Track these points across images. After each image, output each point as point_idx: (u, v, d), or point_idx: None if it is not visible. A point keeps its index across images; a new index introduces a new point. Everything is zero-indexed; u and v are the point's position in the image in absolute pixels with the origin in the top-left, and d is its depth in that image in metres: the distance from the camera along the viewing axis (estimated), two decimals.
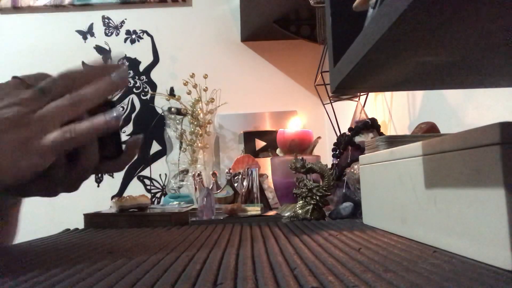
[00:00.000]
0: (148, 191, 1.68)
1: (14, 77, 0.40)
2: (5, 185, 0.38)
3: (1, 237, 0.55)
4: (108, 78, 0.41)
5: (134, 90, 1.72)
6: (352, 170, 0.70)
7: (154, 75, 1.73)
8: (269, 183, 1.12)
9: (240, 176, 0.96)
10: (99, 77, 0.41)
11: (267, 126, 1.63)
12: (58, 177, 0.42)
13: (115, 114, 0.40)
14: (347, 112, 1.22)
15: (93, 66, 0.43)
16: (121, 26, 1.74)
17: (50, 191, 0.44)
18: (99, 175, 1.66)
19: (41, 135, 0.37)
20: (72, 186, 0.44)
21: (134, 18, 1.75)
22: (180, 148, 1.52)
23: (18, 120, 0.37)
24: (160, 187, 1.68)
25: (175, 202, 1.19)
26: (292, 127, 1.04)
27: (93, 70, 0.42)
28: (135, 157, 0.44)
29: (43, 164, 0.38)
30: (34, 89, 0.39)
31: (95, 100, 0.40)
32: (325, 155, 1.29)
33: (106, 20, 1.74)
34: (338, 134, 1.02)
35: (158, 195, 1.68)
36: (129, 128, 1.70)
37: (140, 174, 1.68)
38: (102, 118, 0.40)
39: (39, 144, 0.37)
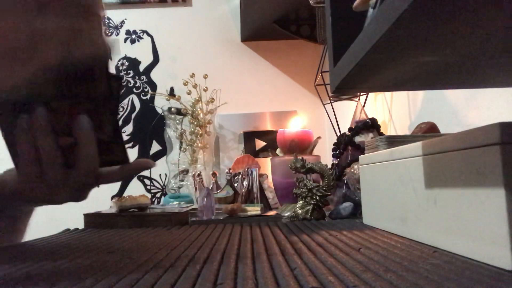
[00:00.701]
0: (148, 191, 1.68)
1: None
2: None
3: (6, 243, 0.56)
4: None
5: (134, 90, 1.72)
6: (352, 170, 0.70)
7: (154, 75, 1.73)
8: (269, 183, 1.12)
9: (240, 176, 0.96)
10: None
11: (267, 126, 1.63)
12: (58, 180, 0.42)
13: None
14: (347, 112, 1.22)
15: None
16: (121, 26, 1.74)
17: (52, 198, 0.44)
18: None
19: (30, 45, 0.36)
20: (77, 193, 0.44)
21: (134, 18, 1.75)
22: (180, 148, 1.52)
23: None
24: (160, 187, 1.68)
25: (175, 202, 1.19)
26: (293, 127, 1.04)
27: None
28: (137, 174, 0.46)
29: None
30: None
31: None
32: (325, 155, 1.29)
33: (106, 20, 1.74)
34: (338, 134, 1.02)
35: (158, 195, 1.68)
36: (129, 128, 1.70)
37: (140, 174, 1.68)
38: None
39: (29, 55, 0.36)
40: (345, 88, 0.44)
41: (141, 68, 1.73)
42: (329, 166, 0.80)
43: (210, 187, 0.93)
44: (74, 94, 0.41)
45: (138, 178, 1.68)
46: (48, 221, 1.53)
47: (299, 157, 0.75)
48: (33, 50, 0.36)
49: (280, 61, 1.74)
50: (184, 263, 0.35)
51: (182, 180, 1.46)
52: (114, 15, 1.74)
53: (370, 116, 0.90)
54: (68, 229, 0.69)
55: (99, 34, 0.39)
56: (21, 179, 0.42)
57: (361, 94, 1.07)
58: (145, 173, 1.68)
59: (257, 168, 0.93)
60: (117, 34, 1.74)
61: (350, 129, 0.86)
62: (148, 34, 1.74)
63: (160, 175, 1.68)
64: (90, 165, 0.42)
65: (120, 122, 1.65)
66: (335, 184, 0.79)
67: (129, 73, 1.72)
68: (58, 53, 0.37)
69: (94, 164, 0.42)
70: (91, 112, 0.42)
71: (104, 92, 0.41)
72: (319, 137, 1.05)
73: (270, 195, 1.07)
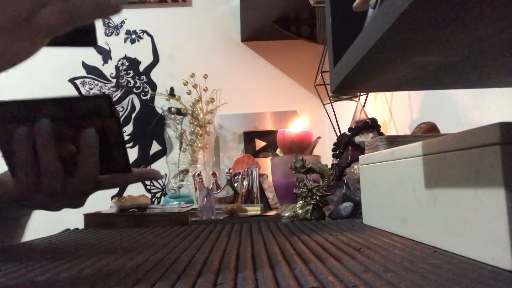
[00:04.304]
0: (148, 191, 1.68)
1: None
2: None
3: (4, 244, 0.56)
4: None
5: (134, 90, 1.72)
6: (352, 170, 0.70)
7: (154, 75, 1.73)
8: (269, 183, 1.12)
9: (240, 176, 0.96)
10: None
11: (267, 126, 1.63)
12: (56, 189, 0.41)
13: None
14: (347, 112, 1.22)
15: None
16: (121, 26, 1.74)
17: (50, 204, 0.43)
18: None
19: (32, 14, 0.33)
20: (75, 200, 0.44)
21: (134, 18, 1.74)
22: (180, 148, 1.51)
23: None
24: (160, 187, 1.68)
25: (175, 202, 1.19)
26: (294, 128, 1.04)
27: None
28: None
29: (35, 49, 0.34)
30: None
31: (88, 13, 0.35)
32: (325, 155, 1.29)
33: (106, 20, 1.74)
34: (338, 134, 1.02)
35: (158, 195, 1.68)
36: (129, 128, 1.70)
37: None
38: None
39: (31, 25, 0.33)
40: (345, 88, 0.44)
41: (141, 68, 1.73)
42: (329, 166, 0.80)
43: (210, 187, 0.93)
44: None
45: None
46: (48, 221, 1.53)
47: (299, 157, 0.75)
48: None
49: (280, 61, 1.74)
50: (184, 263, 0.35)
51: (182, 180, 1.46)
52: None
53: (370, 116, 0.90)
54: (68, 229, 0.69)
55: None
56: (19, 187, 0.41)
57: (361, 94, 1.07)
58: None
59: (257, 168, 0.93)
60: (117, 34, 1.74)
61: (350, 129, 0.86)
62: (148, 34, 1.74)
63: None
64: (90, 176, 0.41)
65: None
66: (335, 184, 0.79)
67: (129, 73, 1.72)
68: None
69: (94, 175, 0.42)
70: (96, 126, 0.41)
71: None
72: (319, 137, 1.05)
73: (270, 195, 1.07)
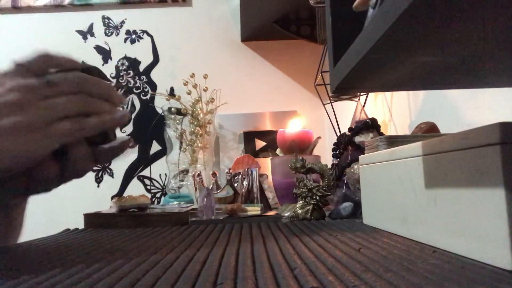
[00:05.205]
0: (148, 191, 1.68)
1: (18, 64, 0.41)
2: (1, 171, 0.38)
3: (3, 237, 0.55)
4: (113, 115, 0.43)
5: (134, 90, 1.72)
6: (352, 170, 0.70)
7: (154, 75, 1.73)
8: (269, 183, 1.12)
9: (240, 176, 0.96)
10: (105, 95, 0.43)
11: (267, 126, 1.63)
12: (48, 180, 0.42)
13: (121, 114, 0.43)
14: (347, 112, 1.22)
15: (105, 82, 0.45)
16: (121, 26, 1.74)
17: (41, 189, 0.44)
18: (99, 175, 1.66)
19: (47, 123, 0.38)
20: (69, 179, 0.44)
21: (134, 18, 1.75)
22: (180, 148, 1.52)
23: (21, 104, 0.38)
24: (160, 187, 1.68)
25: (175, 202, 1.19)
26: (293, 127, 1.04)
27: (102, 86, 0.44)
28: (122, 153, 0.46)
29: (43, 152, 0.39)
30: (42, 80, 0.40)
31: (95, 130, 0.42)
32: (325, 155, 1.29)
33: (106, 20, 1.74)
34: (338, 134, 1.02)
35: (158, 195, 1.68)
36: (129, 128, 1.70)
37: (140, 174, 1.69)
38: (110, 116, 0.42)
39: (44, 131, 0.38)
40: (345, 88, 0.44)
41: (141, 68, 1.73)
42: (329, 166, 0.80)
43: (210, 187, 0.93)
44: None
45: (138, 178, 1.68)
46: (48, 221, 1.53)
47: (299, 157, 0.75)
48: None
49: (280, 61, 1.74)
50: (184, 263, 0.35)
51: (182, 180, 1.46)
52: (114, 15, 1.75)
53: (370, 116, 0.90)
54: (68, 229, 0.69)
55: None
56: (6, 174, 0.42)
57: (361, 94, 1.07)
58: (145, 173, 1.68)
59: (257, 168, 0.93)
60: (117, 34, 1.74)
61: (350, 129, 0.86)
62: (148, 34, 1.74)
63: (160, 175, 1.69)
64: (83, 165, 0.43)
65: None
66: (335, 184, 0.79)
67: (129, 73, 1.72)
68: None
69: (87, 165, 0.43)
70: None
71: None
72: (319, 137, 1.05)
73: (270, 195, 1.07)
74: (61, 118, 0.39)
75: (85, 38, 1.74)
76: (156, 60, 1.74)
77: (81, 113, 0.41)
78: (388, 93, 1.05)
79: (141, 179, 1.68)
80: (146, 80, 1.72)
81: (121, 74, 1.72)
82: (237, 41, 1.74)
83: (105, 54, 1.73)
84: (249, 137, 1.59)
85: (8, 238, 0.56)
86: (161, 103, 1.66)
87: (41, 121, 0.38)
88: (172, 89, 1.70)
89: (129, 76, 1.72)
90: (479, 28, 0.27)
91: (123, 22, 1.75)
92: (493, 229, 0.29)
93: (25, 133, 0.37)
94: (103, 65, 1.72)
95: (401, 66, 0.37)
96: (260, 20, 1.54)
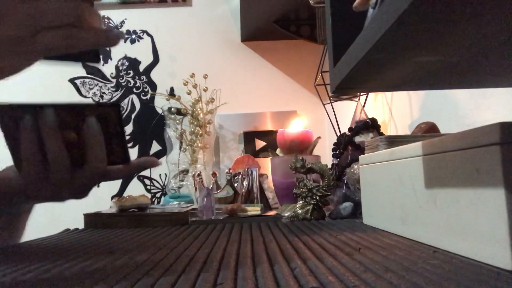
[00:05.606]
0: (148, 191, 1.68)
1: None
2: None
3: (5, 239, 0.55)
4: (107, 31, 0.38)
5: (134, 90, 1.72)
6: (352, 170, 0.70)
7: (154, 75, 1.73)
8: (269, 183, 1.12)
9: (240, 176, 0.96)
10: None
11: (267, 126, 1.63)
12: (64, 179, 0.42)
13: (117, 32, 0.38)
14: (347, 112, 1.22)
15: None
16: (121, 26, 1.74)
17: (56, 196, 0.44)
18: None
19: (32, 33, 0.34)
20: (80, 191, 0.44)
21: (134, 18, 1.75)
22: (180, 148, 1.52)
23: (4, 12, 0.33)
24: (160, 187, 1.68)
25: (175, 202, 1.19)
26: (294, 128, 1.04)
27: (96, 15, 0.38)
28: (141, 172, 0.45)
29: (28, 64, 0.36)
30: None
31: (87, 43, 0.37)
32: (325, 155, 1.29)
33: (106, 20, 1.74)
34: (338, 134, 1.02)
35: (158, 195, 1.68)
36: (129, 128, 1.70)
37: (140, 174, 1.68)
38: (104, 32, 0.37)
39: (31, 44, 0.34)
40: (345, 88, 0.44)
41: (141, 68, 1.73)
42: (329, 166, 0.80)
43: (210, 187, 0.93)
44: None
45: (138, 178, 1.68)
46: (48, 221, 1.53)
47: (299, 157, 0.75)
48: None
49: (280, 61, 1.74)
50: (184, 263, 0.35)
51: (182, 180, 1.46)
52: (114, 15, 1.74)
53: (370, 116, 0.90)
54: (68, 229, 0.69)
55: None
56: (26, 178, 0.42)
57: (361, 94, 1.07)
58: (145, 173, 1.68)
59: (257, 168, 0.93)
60: None
61: (350, 129, 0.86)
62: (148, 34, 1.74)
63: (160, 175, 1.68)
64: (98, 165, 0.42)
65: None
66: (335, 184, 0.79)
67: (129, 73, 1.72)
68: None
69: (103, 164, 0.42)
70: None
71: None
72: (319, 137, 1.05)
73: (270, 195, 1.07)
74: (49, 28, 0.34)
75: None
76: (156, 60, 1.73)
77: (73, 24, 0.35)
78: (388, 93, 1.05)
79: (141, 179, 1.68)
80: (146, 80, 1.72)
81: (121, 74, 1.72)
82: (237, 41, 1.74)
83: (105, 54, 1.73)
84: (249, 137, 1.58)
85: (10, 239, 0.57)
86: (161, 103, 1.66)
87: (25, 31, 0.33)
88: (172, 89, 1.70)
89: (129, 76, 1.72)
90: (478, 28, 0.27)
91: (123, 22, 1.74)
92: (493, 229, 0.29)
93: (6, 47, 0.34)
94: (103, 65, 1.72)
95: (401, 66, 0.37)
96: (260, 20, 1.53)
